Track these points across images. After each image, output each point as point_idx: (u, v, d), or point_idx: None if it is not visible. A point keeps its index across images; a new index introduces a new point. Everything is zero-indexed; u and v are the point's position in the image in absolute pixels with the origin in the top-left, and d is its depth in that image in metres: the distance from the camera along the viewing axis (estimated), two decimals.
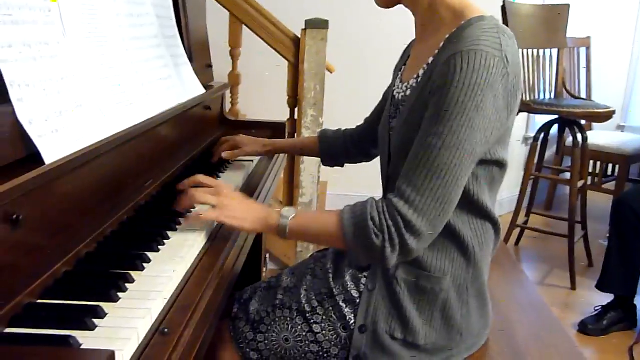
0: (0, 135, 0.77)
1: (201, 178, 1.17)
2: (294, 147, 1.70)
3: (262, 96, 3.15)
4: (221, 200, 1.10)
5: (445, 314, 1.14)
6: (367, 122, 1.53)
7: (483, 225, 1.16)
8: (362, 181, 2.96)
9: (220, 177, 1.50)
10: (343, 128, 1.57)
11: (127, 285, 0.84)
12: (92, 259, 0.91)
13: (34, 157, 0.82)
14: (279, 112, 2.62)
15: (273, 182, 1.64)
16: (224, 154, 1.57)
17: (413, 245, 1.02)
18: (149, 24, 1.39)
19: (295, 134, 2.68)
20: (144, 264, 0.91)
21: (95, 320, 0.74)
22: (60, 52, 0.95)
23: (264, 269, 2.33)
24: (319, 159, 1.60)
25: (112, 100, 1.09)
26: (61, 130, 0.87)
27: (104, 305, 0.77)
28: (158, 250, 0.98)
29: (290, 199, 2.79)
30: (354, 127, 1.56)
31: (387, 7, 1.18)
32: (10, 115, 0.79)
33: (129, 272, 0.87)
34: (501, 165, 1.14)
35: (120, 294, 0.81)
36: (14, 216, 0.74)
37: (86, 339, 0.70)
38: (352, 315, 1.15)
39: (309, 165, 2.67)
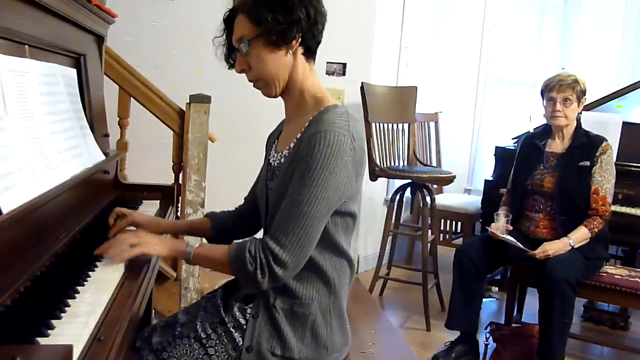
0: None
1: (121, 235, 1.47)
2: (189, 228, 1.81)
3: (147, 162, 3.36)
4: (141, 239, 1.43)
5: (314, 332, 1.45)
6: (248, 200, 1.72)
7: (340, 262, 1.50)
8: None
9: None
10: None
11: (66, 308, 1.07)
12: (33, 292, 1.12)
13: None
14: (164, 177, 2.85)
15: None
16: None
17: (280, 273, 1.35)
18: (62, 100, 1.64)
19: (180, 197, 2.92)
20: (75, 294, 1.15)
21: (48, 331, 0.97)
22: (5, 126, 1.19)
23: (153, 322, 2.52)
24: (203, 217, 1.79)
25: (40, 165, 1.32)
26: (10, 188, 1.11)
27: (53, 321, 1.00)
28: (84, 285, 1.21)
29: None
30: (234, 207, 1.75)
31: (274, 97, 1.52)
32: None
33: (66, 299, 1.10)
34: (353, 216, 1.49)
35: (62, 314, 1.05)
36: None
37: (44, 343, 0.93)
38: (241, 338, 1.43)
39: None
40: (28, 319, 1.00)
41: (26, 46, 1.47)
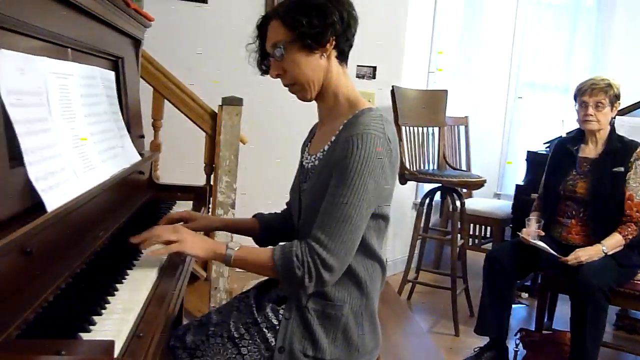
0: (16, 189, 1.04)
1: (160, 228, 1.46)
2: (236, 226, 1.82)
3: (179, 163, 3.41)
4: (180, 235, 1.40)
5: (346, 334, 1.46)
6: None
7: (373, 265, 1.50)
8: None
9: None
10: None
11: (106, 305, 1.10)
12: (74, 289, 1.16)
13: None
14: (195, 178, 2.89)
15: None
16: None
17: (326, 277, 1.36)
18: (101, 102, 1.67)
19: (211, 198, 2.96)
20: (114, 292, 1.17)
21: (90, 326, 0.99)
22: (50, 127, 1.22)
23: (184, 321, 2.56)
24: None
25: (81, 165, 1.36)
26: (54, 187, 1.14)
27: (94, 317, 1.03)
28: (122, 282, 1.24)
29: None
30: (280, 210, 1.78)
31: (309, 101, 1.54)
32: (23, 175, 1.06)
33: (105, 296, 1.13)
34: (386, 219, 1.50)
35: (102, 311, 1.08)
36: (28, 249, 0.99)
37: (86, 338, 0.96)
38: (273, 338, 1.44)
39: None
40: (71, 314, 1.03)
41: (69, 49, 1.51)
